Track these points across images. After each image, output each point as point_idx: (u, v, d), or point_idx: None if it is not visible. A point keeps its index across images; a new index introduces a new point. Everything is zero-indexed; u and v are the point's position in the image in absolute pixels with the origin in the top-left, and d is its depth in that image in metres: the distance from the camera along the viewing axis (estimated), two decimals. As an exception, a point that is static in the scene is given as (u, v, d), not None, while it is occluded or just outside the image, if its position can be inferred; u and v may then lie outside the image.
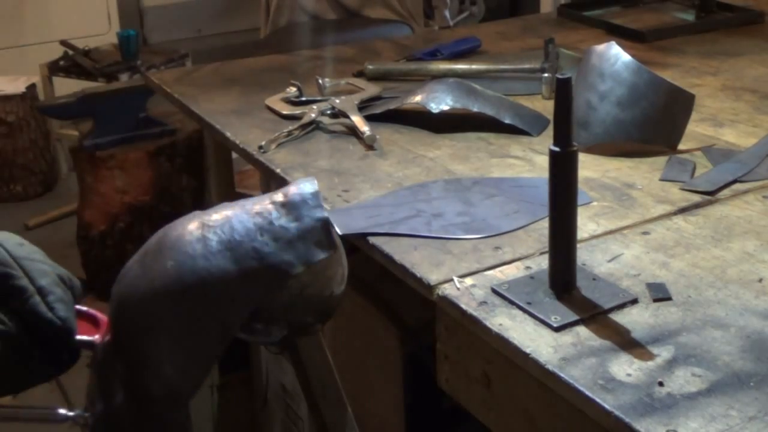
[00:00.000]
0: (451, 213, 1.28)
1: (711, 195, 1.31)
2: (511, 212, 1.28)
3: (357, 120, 1.58)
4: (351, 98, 1.68)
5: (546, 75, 1.75)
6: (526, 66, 1.83)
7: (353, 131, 1.58)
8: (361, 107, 1.66)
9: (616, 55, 1.47)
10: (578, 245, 1.07)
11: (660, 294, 1.06)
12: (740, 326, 1.00)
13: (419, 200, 1.33)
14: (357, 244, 1.25)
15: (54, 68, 3.88)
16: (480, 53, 2.06)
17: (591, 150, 1.47)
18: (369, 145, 1.53)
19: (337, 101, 1.66)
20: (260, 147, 1.53)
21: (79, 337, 1.07)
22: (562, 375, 0.93)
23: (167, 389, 0.97)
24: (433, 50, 2.02)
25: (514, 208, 1.29)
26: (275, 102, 1.73)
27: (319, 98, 1.72)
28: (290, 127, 1.60)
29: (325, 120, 1.63)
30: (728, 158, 1.42)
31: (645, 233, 1.22)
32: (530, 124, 1.59)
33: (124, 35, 3.83)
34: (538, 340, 0.99)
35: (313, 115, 1.63)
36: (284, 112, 1.69)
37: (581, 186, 1.17)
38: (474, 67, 1.86)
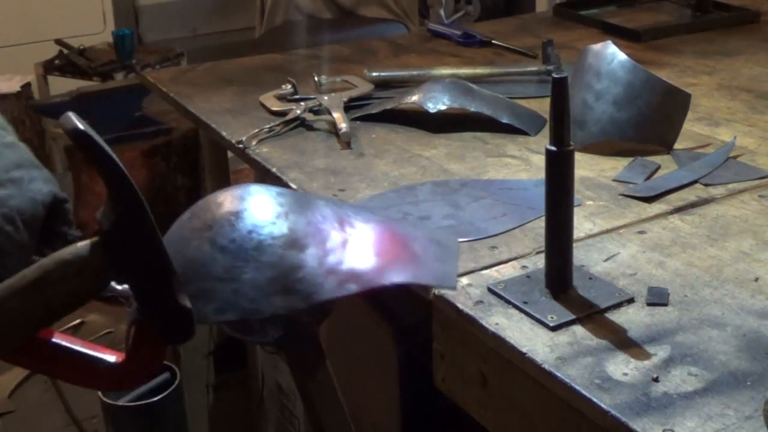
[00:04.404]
0: (438, 216, 1.28)
1: (647, 202, 1.29)
2: (499, 215, 1.27)
3: (337, 117, 1.57)
4: (339, 95, 1.67)
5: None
6: (532, 69, 1.82)
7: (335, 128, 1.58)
8: (351, 105, 1.65)
9: (612, 54, 1.47)
10: (574, 244, 1.06)
11: (656, 299, 1.05)
12: (736, 325, 1.00)
13: (407, 203, 1.32)
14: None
15: (49, 67, 3.87)
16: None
17: (587, 149, 1.46)
18: (345, 142, 1.52)
19: (325, 98, 1.65)
20: (239, 142, 1.52)
21: None
22: (558, 374, 0.93)
23: None
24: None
25: (501, 211, 1.28)
26: (268, 98, 1.73)
27: (312, 96, 1.71)
28: (272, 123, 1.59)
29: (310, 116, 1.62)
30: (693, 161, 1.40)
31: (641, 232, 1.22)
32: (527, 123, 1.59)
33: (119, 34, 3.82)
34: (534, 339, 0.99)
35: (298, 111, 1.62)
36: (274, 109, 1.68)
37: (577, 185, 1.16)
38: (479, 71, 1.84)
